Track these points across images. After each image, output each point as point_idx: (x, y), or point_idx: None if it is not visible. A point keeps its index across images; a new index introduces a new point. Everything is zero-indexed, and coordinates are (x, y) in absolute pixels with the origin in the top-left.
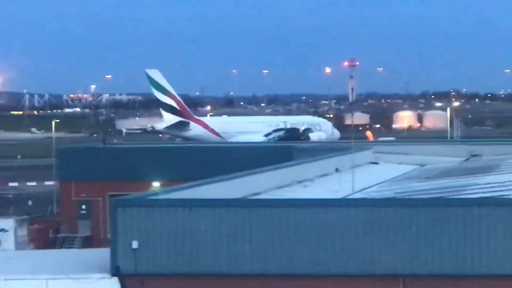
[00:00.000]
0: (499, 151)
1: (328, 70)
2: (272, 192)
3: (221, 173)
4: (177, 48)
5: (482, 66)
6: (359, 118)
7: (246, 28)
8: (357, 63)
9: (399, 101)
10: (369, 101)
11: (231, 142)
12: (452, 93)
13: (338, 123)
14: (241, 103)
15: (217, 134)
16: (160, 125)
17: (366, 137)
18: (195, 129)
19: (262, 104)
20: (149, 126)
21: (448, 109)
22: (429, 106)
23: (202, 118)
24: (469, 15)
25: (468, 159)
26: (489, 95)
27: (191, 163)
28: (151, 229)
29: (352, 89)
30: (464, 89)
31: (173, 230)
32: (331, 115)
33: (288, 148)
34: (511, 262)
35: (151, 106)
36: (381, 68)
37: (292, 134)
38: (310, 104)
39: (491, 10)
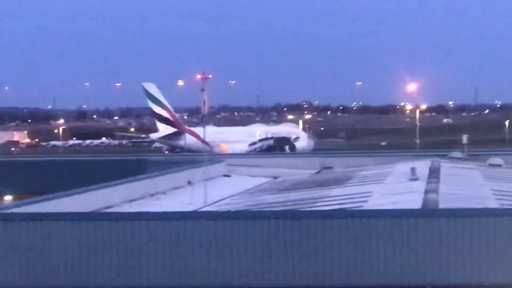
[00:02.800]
0: (351, 163)
1: (180, 82)
2: (124, 205)
3: (73, 186)
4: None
5: (334, 79)
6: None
7: (99, 40)
8: (210, 76)
9: (252, 113)
10: (222, 113)
11: (84, 156)
12: (304, 106)
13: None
14: (94, 116)
15: (207, 143)
16: (156, 135)
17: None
18: (188, 139)
19: (115, 117)
20: (143, 136)
21: (300, 122)
22: (281, 119)
23: (192, 129)
24: (319, 29)
25: (320, 171)
26: (341, 107)
27: (42, 176)
28: (4, 244)
29: (204, 102)
30: (316, 102)
31: (25, 244)
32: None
33: (140, 161)
34: (358, 272)
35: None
36: (234, 81)
37: (283, 142)
38: None
39: (341, 24)
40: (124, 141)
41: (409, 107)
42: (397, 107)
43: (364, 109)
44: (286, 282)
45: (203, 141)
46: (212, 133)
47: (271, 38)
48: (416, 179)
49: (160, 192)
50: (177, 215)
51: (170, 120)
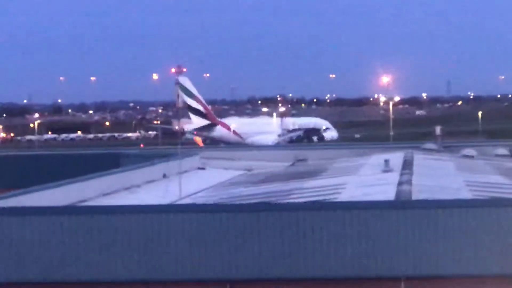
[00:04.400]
0: (324, 155)
1: (155, 76)
2: (99, 199)
3: (47, 181)
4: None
5: (308, 72)
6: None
7: (76, 35)
8: (184, 70)
9: (226, 107)
10: None
11: (59, 150)
12: (279, 98)
13: (166, 129)
14: (69, 110)
15: (238, 134)
16: (189, 127)
17: (195, 143)
18: (219, 131)
19: (90, 112)
20: (176, 127)
21: (275, 114)
22: (256, 112)
23: (224, 120)
24: (293, 22)
25: (293, 163)
26: (315, 100)
27: (17, 171)
28: None
29: (178, 95)
30: (291, 94)
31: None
32: (159, 122)
33: (115, 155)
34: (333, 264)
35: None
36: (208, 74)
37: (312, 133)
38: (138, 111)
39: (315, 17)
40: (152, 132)
41: (382, 99)
42: (371, 99)
43: (338, 102)
44: (261, 274)
45: (234, 132)
46: (241, 124)
47: (245, 31)
48: (389, 171)
49: (135, 186)
50: (152, 208)
51: (203, 113)
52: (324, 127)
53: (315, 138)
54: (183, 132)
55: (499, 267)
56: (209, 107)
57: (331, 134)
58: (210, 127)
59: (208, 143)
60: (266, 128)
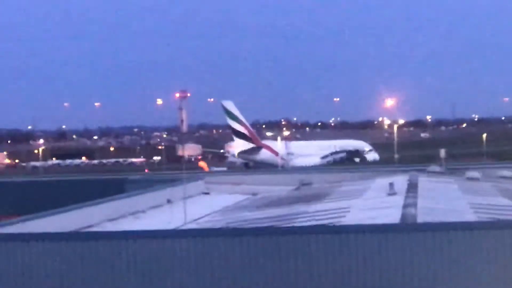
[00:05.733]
0: (329, 179)
1: (159, 101)
2: (104, 225)
3: (53, 207)
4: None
5: (312, 95)
6: (192, 149)
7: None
8: (188, 94)
9: (230, 131)
10: (201, 131)
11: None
12: (283, 122)
13: (171, 154)
14: (74, 136)
15: (281, 157)
16: (235, 151)
17: (200, 168)
18: (263, 154)
19: (95, 137)
20: (221, 151)
21: (279, 138)
22: (260, 135)
23: (267, 142)
24: (299, 46)
25: (298, 187)
26: (319, 123)
27: (22, 197)
28: None
29: (182, 120)
30: (295, 118)
31: (5, 265)
32: (163, 146)
33: (119, 181)
34: (339, 287)
35: None
36: (212, 99)
37: (355, 155)
38: (142, 136)
39: (318, 41)
40: (210, 155)
41: (387, 122)
42: (375, 122)
43: (343, 125)
44: None
45: (278, 155)
46: (284, 148)
47: (249, 55)
48: (394, 194)
49: (140, 211)
50: (158, 234)
51: (247, 136)
52: (367, 149)
53: (357, 159)
54: (227, 155)
55: None
56: (253, 130)
57: (373, 156)
58: (254, 150)
59: (251, 165)
60: (308, 151)
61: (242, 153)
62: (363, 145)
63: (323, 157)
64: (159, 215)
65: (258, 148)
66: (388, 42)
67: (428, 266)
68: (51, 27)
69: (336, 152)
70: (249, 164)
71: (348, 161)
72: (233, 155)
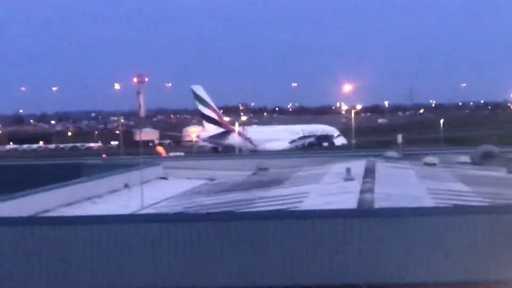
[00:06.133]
0: (286, 164)
1: (117, 86)
2: (61, 210)
3: (9, 191)
4: None
5: (270, 81)
6: (149, 133)
7: (36, 46)
8: (146, 79)
9: (188, 116)
10: (159, 116)
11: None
12: (241, 107)
13: (128, 139)
14: (31, 120)
15: (251, 141)
16: (204, 135)
17: (157, 153)
18: (233, 138)
19: (52, 122)
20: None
21: (237, 123)
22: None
23: (238, 128)
24: (254, 31)
25: (255, 172)
26: (277, 108)
27: None
28: None
29: (140, 105)
30: (253, 103)
31: None
32: (120, 131)
33: (77, 165)
34: (295, 273)
35: None
36: (170, 84)
37: (324, 140)
38: (100, 121)
39: (277, 26)
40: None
41: (344, 107)
42: (333, 107)
43: (300, 110)
44: (224, 283)
45: (248, 140)
46: (255, 132)
47: (206, 40)
48: (351, 179)
49: (97, 196)
50: (115, 218)
51: (217, 121)
52: (335, 134)
53: (325, 144)
54: (196, 140)
55: (461, 274)
56: (223, 115)
57: (341, 140)
58: (224, 134)
59: (219, 150)
60: (278, 135)
61: (211, 137)
62: (331, 130)
63: (291, 142)
64: (116, 200)
65: (227, 133)
66: (346, 28)
67: (385, 251)
68: (8, 9)
69: (305, 137)
70: (218, 149)
71: (317, 145)
72: (203, 139)
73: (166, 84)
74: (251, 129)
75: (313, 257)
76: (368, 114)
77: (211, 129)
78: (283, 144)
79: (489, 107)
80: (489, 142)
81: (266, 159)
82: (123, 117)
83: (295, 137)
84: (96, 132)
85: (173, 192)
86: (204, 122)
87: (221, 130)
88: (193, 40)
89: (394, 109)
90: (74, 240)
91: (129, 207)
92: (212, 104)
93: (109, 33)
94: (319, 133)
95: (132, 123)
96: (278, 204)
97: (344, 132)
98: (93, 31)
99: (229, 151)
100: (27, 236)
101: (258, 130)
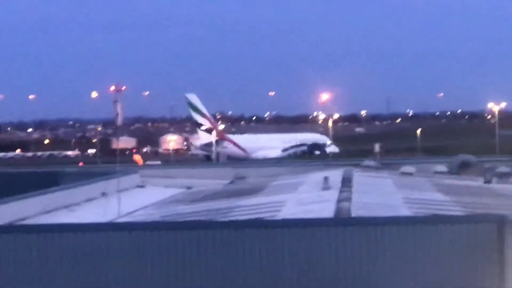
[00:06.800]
0: (264, 173)
1: (94, 94)
2: (38, 217)
3: None
4: None
5: (247, 89)
6: (126, 142)
7: (13, 53)
8: (124, 88)
9: (166, 124)
10: (136, 125)
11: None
12: (218, 116)
13: (105, 147)
14: (8, 128)
15: (243, 149)
16: (198, 143)
17: (134, 161)
18: (226, 146)
19: (30, 130)
20: (184, 144)
21: (214, 132)
22: (195, 130)
23: (231, 137)
24: (233, 40)
25: (232, 181)
26: (254, 117)
27: None
28: None
29: (118, 113)
30: (230, 112)
31: None
32: (94, 140)
33: (54, 173)
34: (272, 283)
35: None
36: (147, 92)
37: (316, 148)
38: (77, 129)
39: (253, 35)
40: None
41: (322, 116)
42: (310, 117)
43: (278, 119)
44: None
45: (240, 148)
46: (248, 140)
47: (183, 48)
48: (329, 188)
49: (74, 204)
50: (91, 227)
51: (211, 129)
52: (328, 142)
53: (317, 152)
54: (189, 148)
55: (435, 284)
56: (216, 123)
57: (333, 149)
58: (217, 142)
59: (212, 158)
60: (270, 144)
61: (205, 145)
62: (323, 139)
63: (284, 150)
64: (93, 208)
65: (221, 141)
66: (324, 37)
67: (361, 260)
68: None
69: (297, 145)
70: (210, 157)
71: (309, 154)
72: (196, 147)
73: (144, 93)
74: (243, 137)
75: (290, 266)
76: (346, 123)
77: (205, 137)
78: (276, 152)
79: (466, 117)
80: (466, 152)
81: (244, 168)
82: (100, 125)
83: (288, 145)
84: (74, 140)
85: (150, 200)
86: (198, 130)
87: (214, 138)
88: (171, 48)
89: (371, 118)
90: (51, 248)
91: (106, 215)
92: (206, 112)
93: (88, 40)
94: (311, 142)
95: (109, 131)
96: (255, 213)
97: None
98: (71, 39)
99: (222, 159)
100: (2, 244)
101: (250, 138)
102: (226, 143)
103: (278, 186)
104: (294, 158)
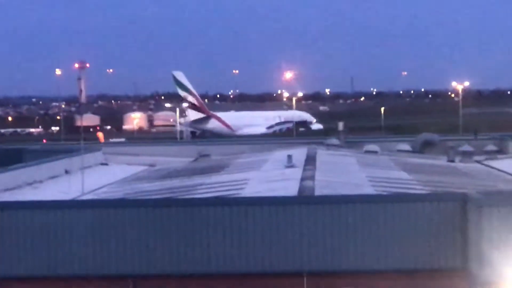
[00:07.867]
0: (227, 151)
1: (58, 72)
2: (1, 195)
3: None
4: None
5: (211, 67)
6: (90, 119)
7: None
8: (87, 65)
9: (129, 102)
10: (100, 102)
11: None
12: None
13: (69, 124)
14: None
15: (229, 126)
16: (186, 120)
17: (97, 139)
18: (212, 123)
19: None
20: (171, 120)
21: (178, 110)
22: (159, 107)
23: (218, 114)
24: (200, 18)
25: (196, 159)
26: (218, 95)
27: None
28: None
29: (81, 91)
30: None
31: None
32: (61, 117)
33: (17, 151)
34: (236, 260)
35: None
36: (111, 70)
37: (301, 125)
38: (40, 106)
39: (220, 14)
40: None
41: (286, 94)
42: (274, 95)
43: (241, 97)
44: (164, 269)
45: (226, 125)
46: (233, 118)
47: (148, 26)
48: (292, 166)
49: (38, 181)
50: (54, 204)
51: (197, 106)
52: (313, 120)
53: (302, 129)
54: (174, 125)
55: (401, 262)
56: (203, 101)
57: (317, 126)
58: (204, 120)
59: (198, 135)
60: (255, 121)
61: (193, 122)
62: (308, 116)
63: (269, 127)
64: (56, 185)
65: (207, 118)
66: (288, 15)
67: (325, 238)
68: None
69: (282, 122)
70: (196, 133)
71: (294, 131)
72: (186, 125)
73: (108, 70)
74: (229, 115)
75: (253, 244)
76: (309, 101)
77: (193, 114)
78: (261, 129)
79: (430, 96)
80: (429, 131)
81: (208, 146)
82: (64, 103)
83: (272, 122)
84: (37, 118)
85: (113, 178)
86: (185, 108)
87: (201, 115)
88: (134, 25)
89: (335, 96)
90: (15, 225)
91: (69, 193)
92: (193, 90)
93: (52, 17)
94: (296, 119)
95: (73, 109)
96: (219, 191)
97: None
98: (36, 15)
99: (208, 136)
100: None
101: (235, 116)
102: (212, 120)
103: (242, 164)
104: (280, 135)
